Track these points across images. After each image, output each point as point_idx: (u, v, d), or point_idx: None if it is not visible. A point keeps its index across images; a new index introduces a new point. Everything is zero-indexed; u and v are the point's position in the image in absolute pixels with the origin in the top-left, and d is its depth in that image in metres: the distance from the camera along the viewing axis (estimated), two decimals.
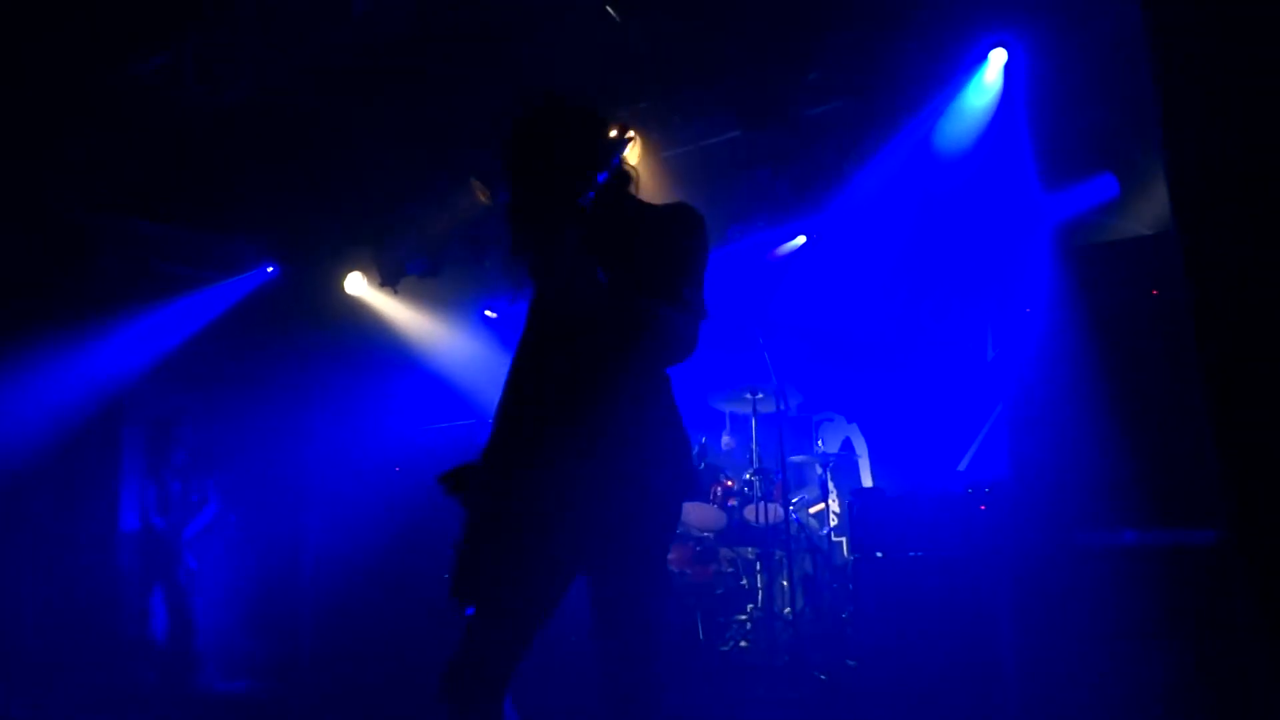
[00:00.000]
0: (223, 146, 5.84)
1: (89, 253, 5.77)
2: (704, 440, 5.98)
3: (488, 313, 6.63)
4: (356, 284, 7.26)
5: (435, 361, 7.05)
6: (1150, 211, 5.08)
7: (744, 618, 5.48)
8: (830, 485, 5.86)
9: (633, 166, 2.28)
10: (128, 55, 4.99)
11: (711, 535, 5.73)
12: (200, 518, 6.41)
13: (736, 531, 5.69)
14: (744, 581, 5.63)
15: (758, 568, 5.61)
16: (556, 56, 5.50)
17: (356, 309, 7.27)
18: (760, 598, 5.51)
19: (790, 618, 5.24)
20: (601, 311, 1.99)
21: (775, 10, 5.36)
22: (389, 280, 7.07)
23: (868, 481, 6.14)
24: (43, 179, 5.41)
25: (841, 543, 5.73)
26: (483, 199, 5.96)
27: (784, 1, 5.33)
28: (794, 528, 5.44)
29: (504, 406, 2.16)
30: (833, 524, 5.81)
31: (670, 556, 5.54)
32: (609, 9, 5.40)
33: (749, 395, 5.83)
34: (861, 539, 4.69)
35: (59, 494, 5.72)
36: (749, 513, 5.69)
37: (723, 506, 5.74)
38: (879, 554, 4.55)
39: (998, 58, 5.06)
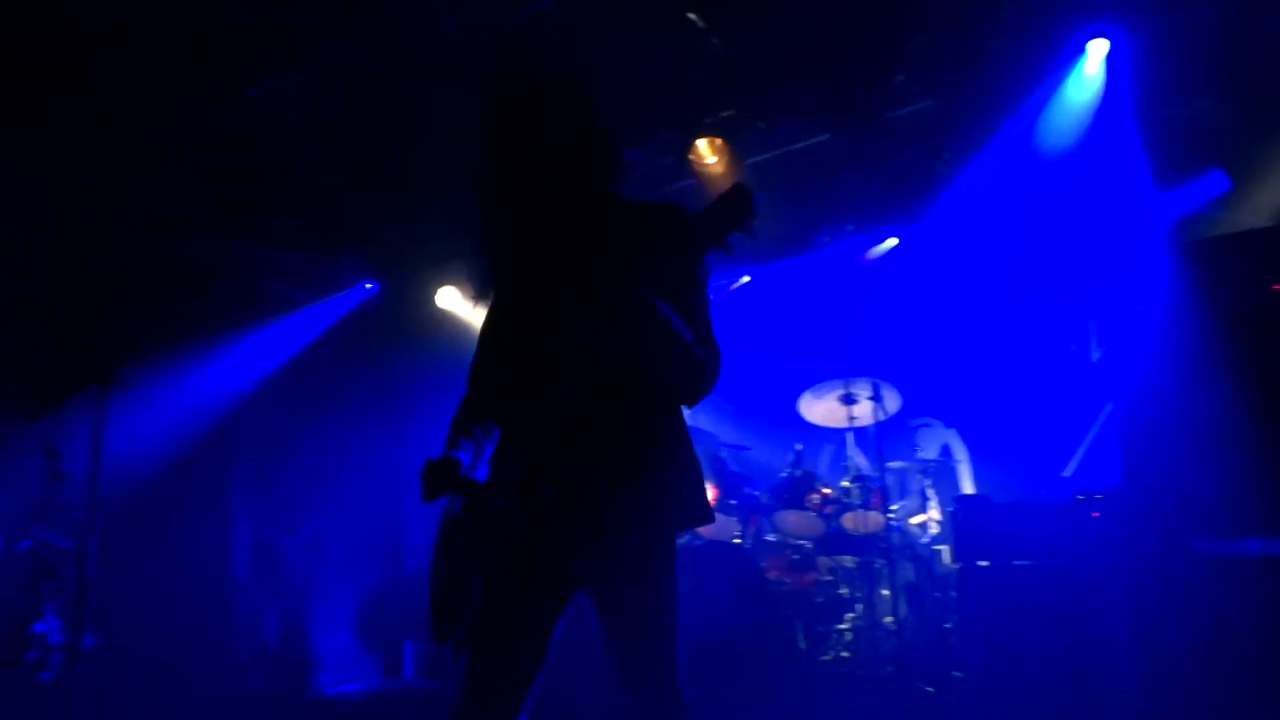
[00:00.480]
0: (320, 165, 6.03)
1: (201, 275, 6.01)
2: (799, 448, 5.93)
3: None
4: (450, 298, 7.40)
5: None
6: (1266, 203, 4.85)
7: (845, 627, 5.40)
8: (930, 492, 5.74)
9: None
10: (233, 80, 5.19)
11: (809, 543, 5.68)
12: (308, 528, 6.62)
13: (835, 540, 5.62)
14: (844, 590, 5.56)
15: (858, 576, 5.53)
16: (639, 64, 5.52)
17: (452, 324, 7.41)
18: (861, 607, 5.43)
19: (893, 627, 5.15)
20: (669, 362, 1.97)
21: (859, 11, 5.30)
22: (482, 294, 7.18)
23: (969, 488, 6.00)
24: (153, 203, 5.65)
25: (942, 550, 5.61)
26: None
27: (868, 2, 5.26)
28: (895, 535, 5.35)
29: (527, 427, 2.05)
30: (933, 532, 5.69)
31: (766, 565, 5.53)
32: (691, 16, 5.40)
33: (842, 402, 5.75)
34: (966, 547, 4.58)
35: (174, 508, 5.96)
36: (847, 520, 5.61)
37: (820, 514, 5.67)
38: (984, 563, 4.44)
39: (1098, 49, 4.89)
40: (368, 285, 7.30)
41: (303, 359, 6.83)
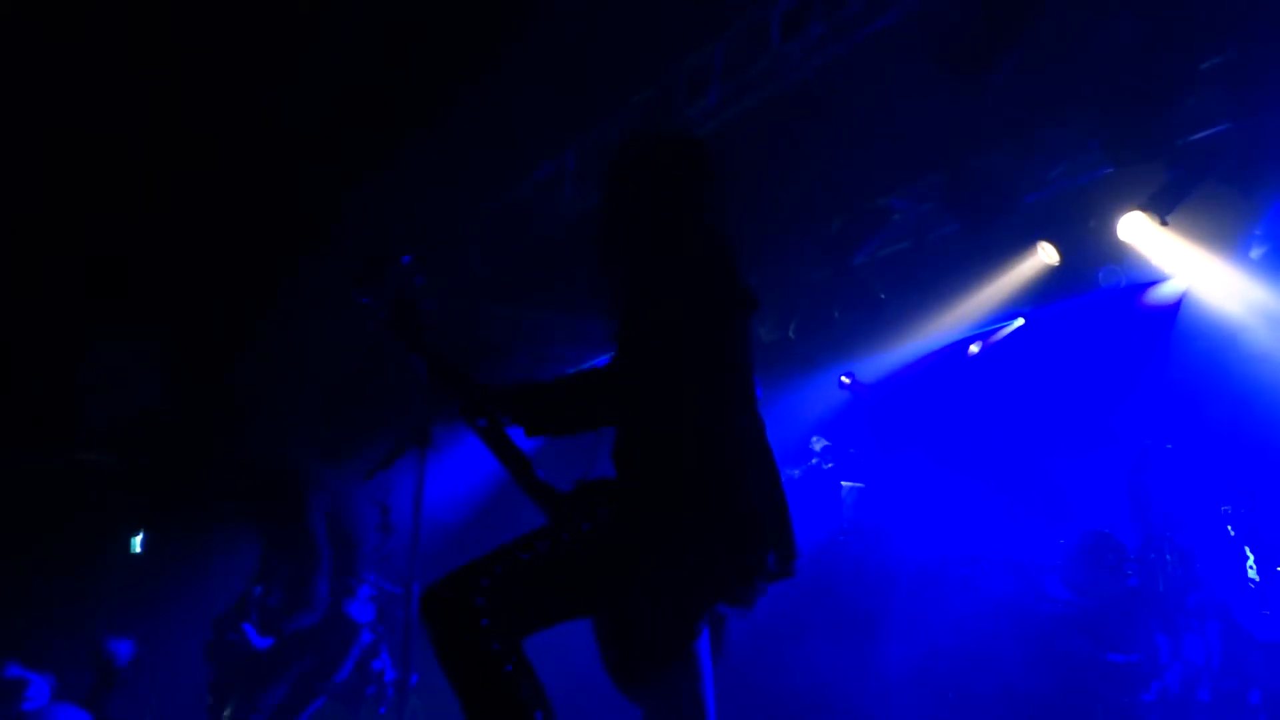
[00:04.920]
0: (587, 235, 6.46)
1: (497, 344, 6.58)
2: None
3: (843, 379, 6.64)
4: None
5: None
6: None
7: (1153, 700, 4.96)
8: (1247, 550, 5.16)
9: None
10: (520, 171, 5.70)
11: (1105, 606, 5.28)
12: None
13: (1135, 602, 5.18)
14: (1147, 658, 5.11)
15: (1164, 643, 5.07)
16: (896, 108, 5.46)
17: None
18: (1169, 676, 4.96)
19: (1208, 698, 4.68)
20: None
21: (1138, 30, 4.98)
22: None
23: None
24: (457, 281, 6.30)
25: None
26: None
27: (1151, 20, 4.93)
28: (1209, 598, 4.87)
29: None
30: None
31: None
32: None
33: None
34: None
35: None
36: (1149, 581, 5.17)
37: (1116, 573, 5.26)
38: None
39: None
40: None
41: None
